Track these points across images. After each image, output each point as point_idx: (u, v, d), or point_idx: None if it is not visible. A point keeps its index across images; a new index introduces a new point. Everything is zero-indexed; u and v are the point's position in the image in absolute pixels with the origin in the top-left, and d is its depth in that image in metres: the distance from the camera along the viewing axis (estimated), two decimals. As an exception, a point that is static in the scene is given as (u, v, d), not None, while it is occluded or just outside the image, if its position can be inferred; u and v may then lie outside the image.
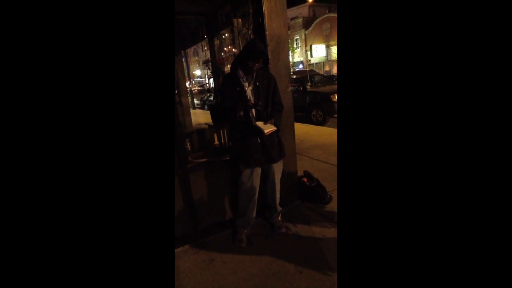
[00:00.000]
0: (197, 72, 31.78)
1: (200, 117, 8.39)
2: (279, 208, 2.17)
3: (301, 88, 7.11)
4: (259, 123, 1.79)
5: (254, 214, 2.07)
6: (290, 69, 2.30)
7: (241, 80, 1.80)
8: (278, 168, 2.03)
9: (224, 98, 1.83)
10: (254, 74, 1.81)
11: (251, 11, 2.27)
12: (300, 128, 5.60)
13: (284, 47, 2.19)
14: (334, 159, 3.65)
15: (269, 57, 2.10)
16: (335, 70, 22.26)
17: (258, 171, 1.95)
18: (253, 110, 1.82)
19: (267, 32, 2.08)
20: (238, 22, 2.78)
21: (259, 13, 2.10)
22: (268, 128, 1.77)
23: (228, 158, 2.13)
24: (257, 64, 1.75)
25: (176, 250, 2.04)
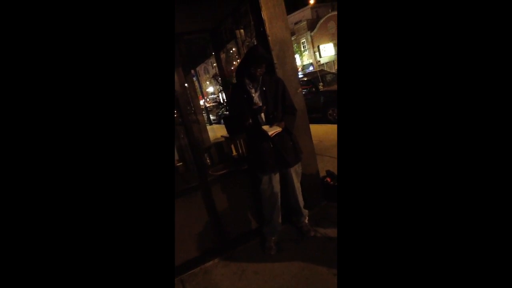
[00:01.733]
0: (210, 89, 32.48)
1: (217, 132, 8.51)
2: (305, 211, 2.13)
3: (314, 89, 7.05)
4: (265, 127, 1.79)
5: (280, 220, 2.05)
6: (297, 71, 2.30)
7: (247, 87, 1.82)
8: (296, 172, 2.00)
9: (232, 108, 1.84)
10: (260, 80, 1.82)
11: (252, 21, 2.31)
12: (318, 129, 5.52)
13: (289, 50, 2.19)
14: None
15: (275, 62, 2.11)
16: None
17: (276, 177, 1.93)
18: (262, 115, 1.82)
19: (269, 38, 2.10)
20: (240, 33, 2.83)
21: (259, 21, 2.13)
22: (273, 130, 1.76)
23: (247, 167, 2.13)
24: (259, 70, 1.75)
25: (206, 265, 2.04)
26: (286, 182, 2.00)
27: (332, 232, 2.07)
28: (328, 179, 2.56)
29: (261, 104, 1.80)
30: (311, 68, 24.87)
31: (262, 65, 1.75)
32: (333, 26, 23.97)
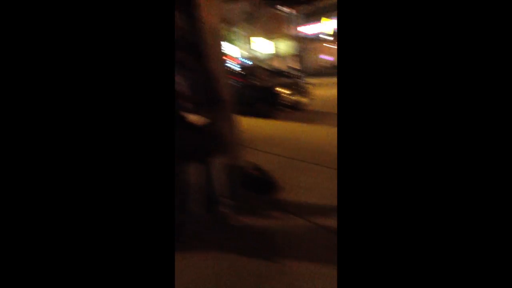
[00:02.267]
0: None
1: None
2: (226, 201, 2.20)
3: (246, 82, 7.18)
4: (192, 116, 1.79)
5: (197, 209, 2.07)
6: (226, 63, 2.33)
7: (175, 75, 1.77)
8: (218, 162, 2.05)
9: None
10: (189, 68, 1.79)
11: (185, 6, 2.23)
12: (246, 122, 5.67)
13: (221, 40, 2.21)
14: (278, 150, 3.80)
15: (207, 51, 2.10)
16: (276, 64, 22.86)
17: (197, 166, 1.95)
18: (188, 104, 1.81)
19: (203, 26, 2.07)
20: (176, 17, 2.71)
21: (195, 7, 2.08)
22: (200, 121, 1.79)
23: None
24: (189, 57, 1.73)
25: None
26: (207, 172, 2.03)
27: (251, 220, 2.19)
28: (251, 170, 2.69)
29: (188, 93, 1.78)
30: (246, 61, 25.14)
31: (191, 53, 1.73)
32: (273, 22, 24.55)
